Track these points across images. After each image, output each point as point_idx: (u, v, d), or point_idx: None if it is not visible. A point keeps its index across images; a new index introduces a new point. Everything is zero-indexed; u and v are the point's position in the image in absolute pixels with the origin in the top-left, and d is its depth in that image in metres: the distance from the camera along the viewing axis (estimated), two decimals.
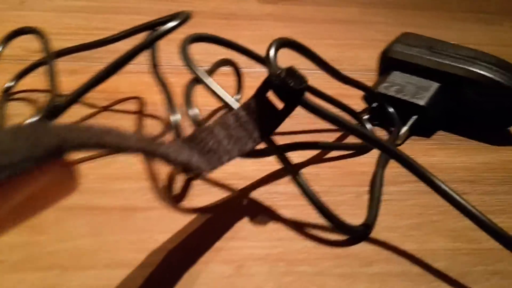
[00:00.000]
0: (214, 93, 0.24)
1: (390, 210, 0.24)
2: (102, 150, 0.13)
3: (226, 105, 0.24)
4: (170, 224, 0.22)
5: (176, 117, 0.23)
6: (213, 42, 0.27)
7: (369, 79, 0.38)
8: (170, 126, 0.28)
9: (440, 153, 0.29)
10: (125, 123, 0.30)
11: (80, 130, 0.13)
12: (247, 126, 0.22)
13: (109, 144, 0.13)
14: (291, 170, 0.23)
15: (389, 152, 0.22)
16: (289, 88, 0.21)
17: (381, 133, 0.31)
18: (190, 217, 0.23)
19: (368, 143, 0.23)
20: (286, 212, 0.24)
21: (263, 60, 0.30)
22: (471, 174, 0.28)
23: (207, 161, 0.20)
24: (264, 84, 0.22)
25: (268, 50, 0.23)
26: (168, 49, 0.32)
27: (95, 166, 0.26)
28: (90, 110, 0.31)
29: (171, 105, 0.24)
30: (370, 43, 0.45)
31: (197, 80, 0.25)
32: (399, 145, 0.30)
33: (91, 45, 0.28)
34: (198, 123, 0.23)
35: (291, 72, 0.22)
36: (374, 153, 0.28)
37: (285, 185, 0.25)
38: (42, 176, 0.12)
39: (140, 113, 0.31)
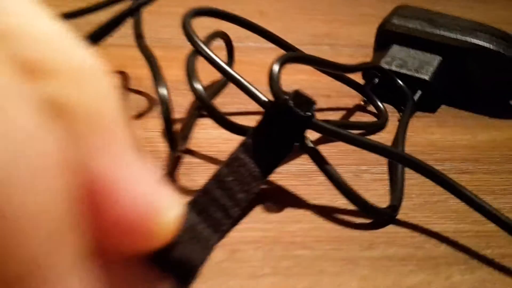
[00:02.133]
0: (214, 64, 0.23)
1: (384, 189, 0.23)
2: None
3: (227, 78, 0.22)
4: None
5: (163, 91, 0.22)
6: (217, 17, 0.25)
7: (365, 54, 0.36)
8: (157, 102, 0.27)
9: (441, 130, 0.28)
10: None
11: None
12: (248, 168, 0.20)
13: None
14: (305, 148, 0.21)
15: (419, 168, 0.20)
16: (299, 117, 0.20)
17: (389, 110, 0.29)
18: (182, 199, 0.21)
19: (392, 159, 0.22)
20: (281, 192, 0.22)
21: (269, 36, 0.28)
22: (474, 152, 0.26)
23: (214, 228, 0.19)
24: (268, 115, 0.21)
25: (271, 70, 0.21)
26: (153, 21, 0.30)
27: None
28: None
29: (157, 78, 0.22)
30: (362, 19, 0.43)
31: (196, 54, 0.23)
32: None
33: (68, 16, 0.26)
34: (202, 99, 0.21)
35: (298, 96, 0.20)
36: (384, 133, 0.27)
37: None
38: None
39: (124, 89, 0.29)
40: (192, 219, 0.20)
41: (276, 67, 0.21)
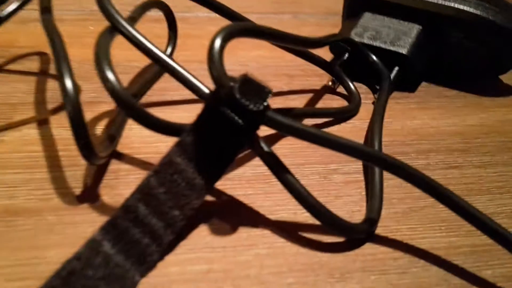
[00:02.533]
0: (138, 46, 0.17)
1: (358, 194, 0.19)
2: None
3: (156, 61, 0.17)
4: (71, 232, 0.16)
5: (68, 83, 0.16)
6: None
7: (333, 23, 0.32)
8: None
9: (424, 114, 0.24)
10: (23, 87, 0.23)
11: None
12: (186, 176, 0.15)
13: None
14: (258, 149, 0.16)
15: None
16: (248, 111, 0.15)
17: (362, 90, 0.25)
18: (101, 220, 0.17)
19: (367, 161, 0.18)
20: (231, 206, 0.18)
21: (215, 6, 0.23)
22: (462, 140, 0.22)
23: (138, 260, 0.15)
24: (207, 109, 0.16)
25: (210, 48, 0.16)
26: None
27: None
28: None
29: (60, 66, 0.17)
30: None
31: (114, 29, 0.18)
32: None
33: None
34: (117, 95, 0.16)
35: (247, 83, 0.15)
36: (357, 119, 0.23)
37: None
38: None
39: (43, 74, 0.24)
40: (105, 250, 0.15)
41: (217, 44, 0.16)
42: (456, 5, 0.25)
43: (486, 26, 0.25)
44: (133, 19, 0.21)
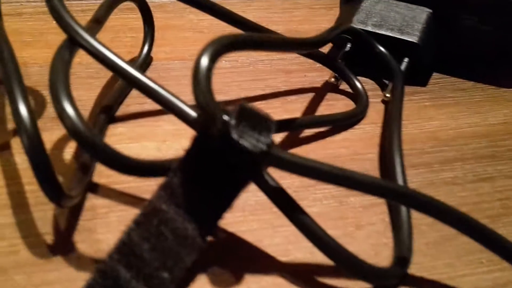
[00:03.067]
0: (104, 63, 0.14)
1: (381, 220, 0.16)
2: None
3: (128, 81, 0.14)
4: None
5: (22, 110, 0.13)
6: None
7: (326, 5, 0.28)
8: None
9: (441, 112, 0.21)
10: None
11: None
12: (175, 226, 0.12)
13: None
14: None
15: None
16: (248, 154, 0.12)
17: (369, 86, 0.22)
18: (79, 278, 0.14)
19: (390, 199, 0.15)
20: (233, 247, 0.15)
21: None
22: (488, 143, 0.20)
23: None
24: (197, 144, 0.13)
25: (195, 70, 0.12)
26: None
27: None
28: None
29: (11, 88, 0.13)
30: None
31: (73, 43, 0.15)
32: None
33: None
34: (79, 136, 0.12)
35: (245, 116, 0.12)
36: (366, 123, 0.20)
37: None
38: None
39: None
40: None
41: (204, 63, 0.12)
42: None
43: (503, 6, 0.22)
44: (98, 21, 0.18)
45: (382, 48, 0.22)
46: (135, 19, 0.23)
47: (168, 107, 0.14)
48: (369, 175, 0.13)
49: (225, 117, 0.12)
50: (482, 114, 0.21)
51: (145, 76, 0.14)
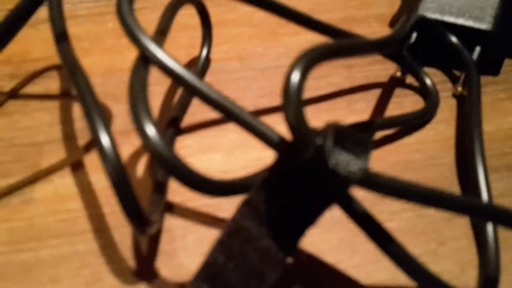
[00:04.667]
0: (168, 73, 0.14)
1: (464, 235, 0.15)
2: None
3: (196, 95, 0.14)
4: None
5: (105, 141, 0.13)
6: None
7: None
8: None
9: None
10: (46, 118, 0.20)
11: None
12: (259, 245, 0.12)
13: None
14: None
15: None
16: (343, 180, 0.11)
17: (437, 79, 0.21)
18: None
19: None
20: (311, 266, 0.15)
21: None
22: None
23: None
24: (283, 165, 0.12)
25: (286, 85, 0.12)
26: None
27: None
28: None
29: (92, 120, 0.13)
30: None
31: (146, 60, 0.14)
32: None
33: None
34: (161, 157, 0.12)
35: (343, 138, 0.12)
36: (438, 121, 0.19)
37: None
38: None
39: (65, 96, 0.21)
40: None
41: (295, 80, 0.12)
42: None
43: None
44: (163, 33, 0.17)
45: (454, 38, 0.21)
46: (189, 15, 0.23)
47: (250, 129, 0.13)
48: (467, 197, 0.12)
49: (319, 141, 0.12)
50: None
51: (226, 98, 0.13)
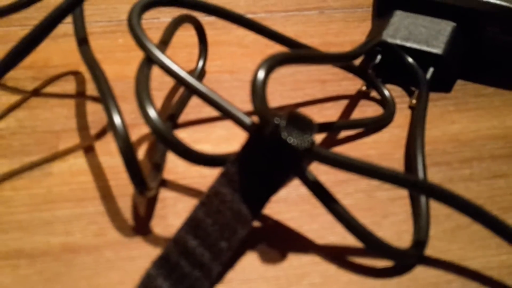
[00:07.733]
0: (175, 77, 0.18)
1: (404, 212, 0.19)
2: None
3: (186, 86, 0.17)
4: (130, 268, 0.17)
5: (117, 120, 0.17)
6: (177, 4, 0.20)
7: (360, 18, 0.31)
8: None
9: (463, 116, 0.24)
10: (64, 112, 0.23)
11: None
12: (232, 206, 0.16)
13: None
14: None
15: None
16: (294, 150, 0.15)
17: (397, 93, 0.25)
18: (155, 254, 0.17)
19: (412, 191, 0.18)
20: (278, 231, 0.18)
21: (241, 20, 0.22)
22: (505, 144, 0.22)
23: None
24: (252, 142, 0.16)
25: (254, 81, 0.15)
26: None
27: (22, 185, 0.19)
28: (14, 97, 0.24)
29: (107, 102, 0.17)
30: None
31: (150, 61, 0.18)
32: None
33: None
34: (159, 133, 0.16)
35: (293, 120, 0.15)
36: (394, 127, 0.23)
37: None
38: None
39: (81, 96, 0.24)
40: (159, 284, 0.15)
41: (260, 76, 0.16)
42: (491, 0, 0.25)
43: None
44: (164, 42, 0.21)
45: (410, 59, 0.25)
46: (189, 36, 0.27)
47: (227, 114, 0.17)
48: (393, 169, 0.16)
49: (277, 121, 0.15)
50: (500, 117, 0.23)
51: (209, 88, 0.17)
